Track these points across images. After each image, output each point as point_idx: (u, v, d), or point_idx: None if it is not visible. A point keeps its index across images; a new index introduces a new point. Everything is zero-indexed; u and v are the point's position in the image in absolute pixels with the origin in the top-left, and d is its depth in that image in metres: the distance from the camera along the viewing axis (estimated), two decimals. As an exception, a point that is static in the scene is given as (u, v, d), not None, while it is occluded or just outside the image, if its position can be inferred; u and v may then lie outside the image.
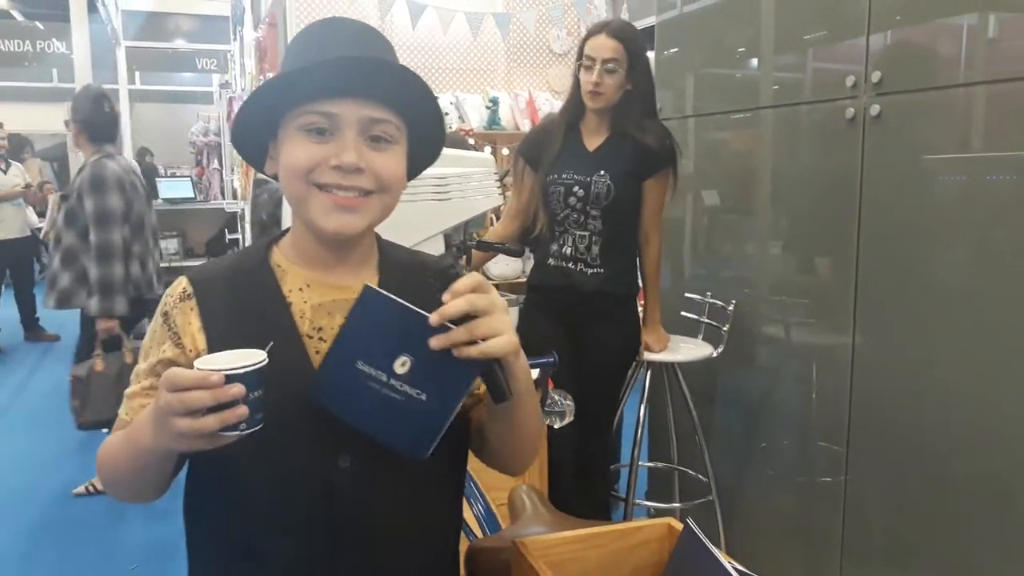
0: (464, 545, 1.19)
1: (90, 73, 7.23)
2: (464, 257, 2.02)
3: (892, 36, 2.07)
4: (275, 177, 1.02)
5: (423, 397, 0.85)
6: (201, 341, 0.96)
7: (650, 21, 4.80)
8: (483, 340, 0.81)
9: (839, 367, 2.24)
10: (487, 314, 0.82)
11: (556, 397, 1.88)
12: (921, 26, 2.02)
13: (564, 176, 2.42)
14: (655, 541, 1.05)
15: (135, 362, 1.02)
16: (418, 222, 1.80)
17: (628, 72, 2.37)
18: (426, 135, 1.01)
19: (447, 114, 5.46)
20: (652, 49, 3.05)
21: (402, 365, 0.85)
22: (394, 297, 0.86)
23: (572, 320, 2.43)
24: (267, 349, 0.84)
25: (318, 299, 0.98)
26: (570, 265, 2.45)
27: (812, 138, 2.37)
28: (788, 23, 2.41)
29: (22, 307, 6.78)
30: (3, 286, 7.02)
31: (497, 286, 3.92)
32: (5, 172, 6.39)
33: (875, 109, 2.08)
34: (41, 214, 9.16)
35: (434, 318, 0.80)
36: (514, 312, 2.00)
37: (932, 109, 1.97)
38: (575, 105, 2.48)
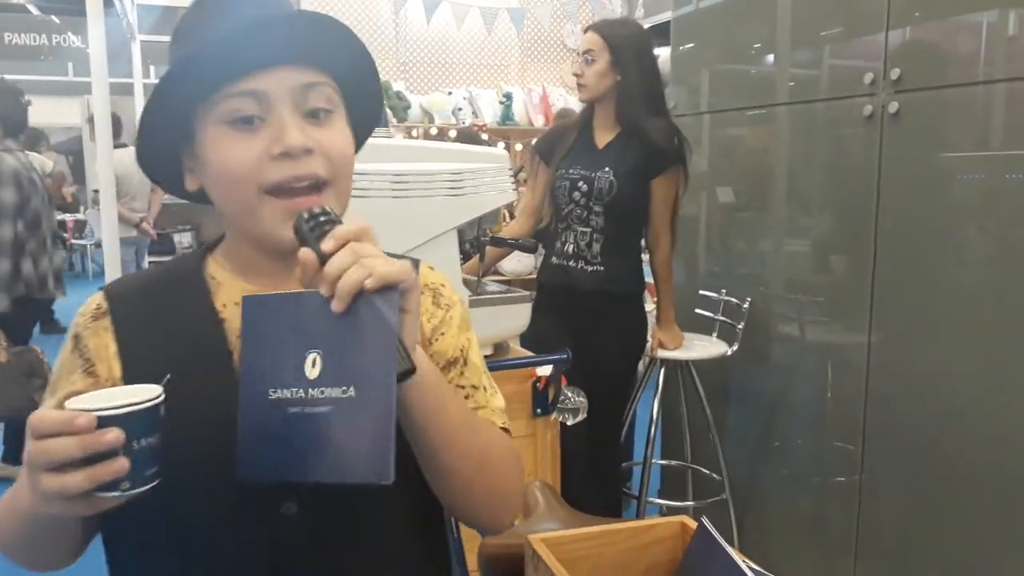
0: (476, 541, 1.20)
1: (105, 67, 7.24)
2: (479, 254, 2.02)
3: (911, 32, 2.05)
4: (196, 196, 0.85)
5: (352, 393, 0.68)
6: (117, 368, 0.80)
7: (666, 17, 4.78)
8: (371, 268, 0.67)
9: (855, 366, 2.22)
10: (372, 253, 0.68)
11: (569, 394, 1.88)
12: (941, 22, 2.00)
13: (571, 171, 2.44)
14: (669, 539, 1.05)
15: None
16: (431, 218, 1.80)
17: (612, 62, 2.38)
18: (362, 96, 0.86)
19: (460, 109, 5.47)
20: (666, 45, 3.04)
21: (313, 365, 0.70)
22: (274, 292, 0.75)
23: (573, 319, 2.43)
24: (163, 383, 0.68)
25: None
26: (571, 263, 2.45)
27: (829, 135, 2.35)
28: (805, 19, 2.39)
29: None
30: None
31: (509, 282, 3.93)
32: (22, 165, 6.41)
33: (893, 106, 2.06)
34: (58, 207, 9.24)
35: (301, 267, 0.69)
36: (528, 309, 1.99)
37: (951, 107, 1.95)
38: (588, 106, 2.53)
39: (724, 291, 2.65)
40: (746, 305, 2.54)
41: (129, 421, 0.63)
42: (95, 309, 0.83)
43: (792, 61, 2.45)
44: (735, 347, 2.53)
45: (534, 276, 4.11)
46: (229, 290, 0.84)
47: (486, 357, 1.82)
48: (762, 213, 2.59)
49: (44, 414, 0.62)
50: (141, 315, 0.83)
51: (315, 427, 0.69)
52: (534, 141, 2.68)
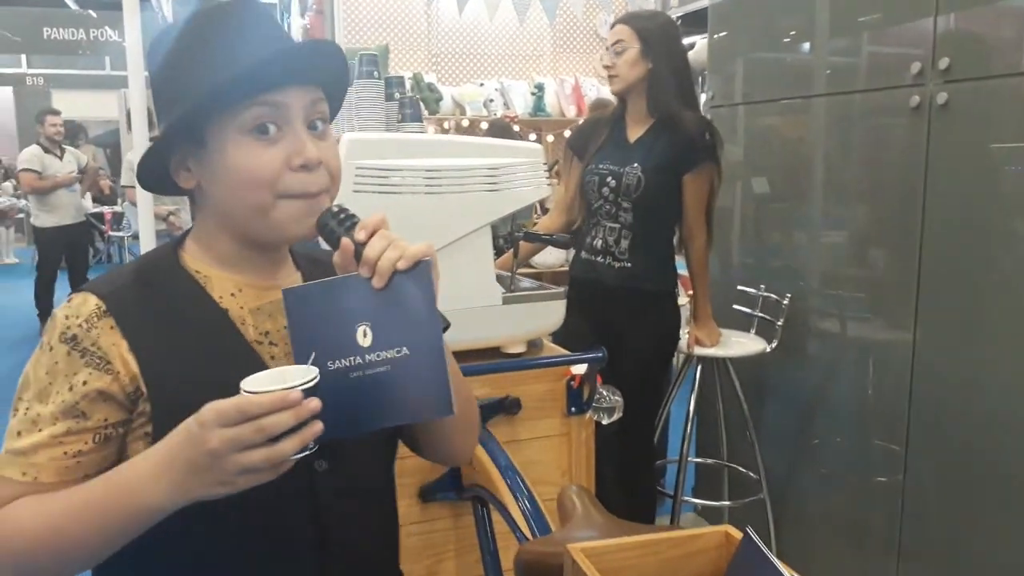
0: (514, 547, 1.17)
1: (141, 61, 7.32)
2: (512, 248, 1.99)
3: (961, 20, 1.97)
4: (185, 190, 0.91)
5: (405, 351, 0.82)
6: (132, 363, 0.84)
7: (699, 5, 4.71)
8: (404, 248, 0.82)
9: (899, 364, 2.17)
10: (398, 238, 0.83)
11: (604, 392, 1.84)
12: (992, 8, 1.92)
13: (601, 166, 2.41)
14: (713, 549, 1.01)
15: None
16: (467, 213, 1.77)
17: (642, 50, 2.33)
18: (336, 103, 0.96)
19: (492, 101, 5.43)
20: (699, 34, 2.99)
21: (364, 336, 0.82)
22: (315, 281, 0.85)
23: (600, 316, 2.39)
24: (309, 362, 0.79)
25: (254, 303, 0.92)
26: (598, 258, 2.41)
27: (872, 126, 2.28)
28: (848, 5, 2.32)
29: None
30: (59, 270, 7.18)
31: (540, 275, 3.89)
32: (61, 158, 6.50)
33: (942, 97, 1.99)
34: (96, 199, 9.38)
35: (340, 256, 0.84)
36: (562, 306, 1.96)
37: (1003, 97, 1.88)
38: (619, 100, 2.49)
39: (763, 286, 2.60)
40: (786, 301, 2.49)
41: (311, 392, 0.74)
42: (93, 310, 0.85)
43: (833, 49, 2.38)
44: (774, 344, 2.48)
45: (565, 268, 4.09)
46: (219, 283, 0.91)
47: (518, 355, 1.80)
48: (802, 206, 2.53)
49: (253, 398, 0.71)
50: (141, 312, 0.86)
51: (379, 384, 0.82)
52: (567, 135, 2.65)
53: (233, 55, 0.84)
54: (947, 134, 2.01)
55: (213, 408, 0.72)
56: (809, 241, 2.52)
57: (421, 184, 1.72)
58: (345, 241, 0.83)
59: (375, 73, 1.77)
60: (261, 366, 0.85)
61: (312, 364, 0.79)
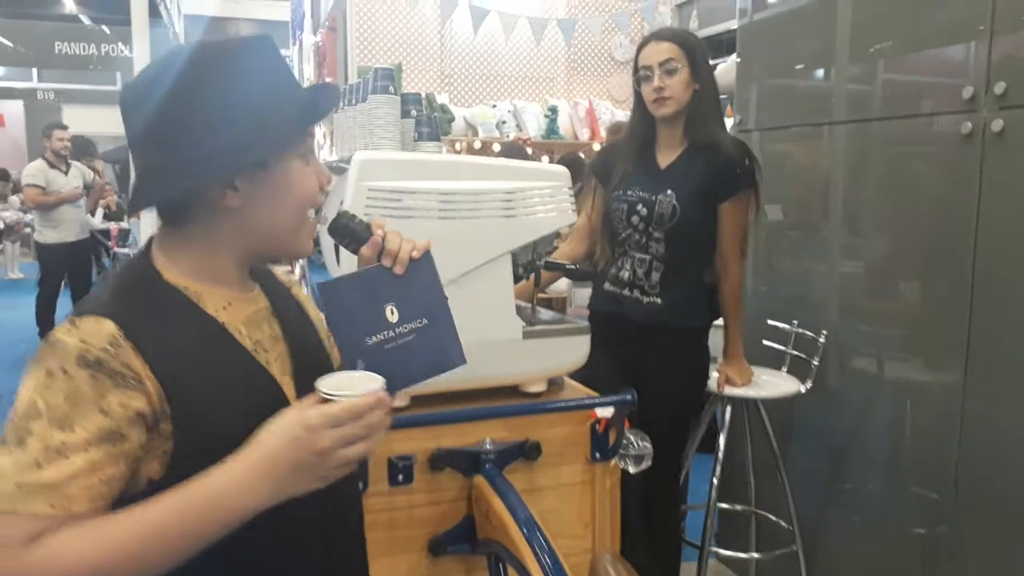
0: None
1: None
2: (533, 277, 1.85)
3: (1019, 43, 1.84)
4: (177, 211, 0.95)
5: (425, 321, 1.03)
6: (156, 383, 0.86)
7: (720, 28, 4.58)
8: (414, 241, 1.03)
9: (947, 409, 2.01)
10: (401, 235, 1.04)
11: (632, 438, 1.69)
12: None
13: (629, 193, 2.21)
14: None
15: None
16: (482, 241, 1.63)
17: (692, 70, 2.15)
18: None
19: (504, 123, 5.32)
20: (718, 58, 2.86)
21: (392, 314, 1.01)
22: (345, 275, 1.04)
23: (626, 354, 2.20)
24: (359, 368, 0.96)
25: (242, 315, 0.98)
26: (625, 291, 2.22)
27: (921, 153, 2.14)
28: (896, 27, 2.18)
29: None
30: (62, 287, 7.06)
31: (549, 301, 3.75)
32: (66, 174, 6.40)
33: (997, 124, 1.85)
34: (105, 216, 9.28)
35: (370, 248, 1.03)
36: (587, 342, 1.81)
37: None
38: (643, 124, 2.25)
39: (796, 322, 2.44)
40: (822, 339, 2.33)
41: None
42: (114, 333, 0.85)
43: (881, 73, 2.24)
44: (808, 384, 2.32)
45: (565, 296, 3.93)
46: (211, 298, 0.95)
47: (537, 395, 1.65)
48: (843, 237, 2.39)
49: (359, 401, 0.84)
50: (151, 332, 0.88)
51: (408, 350, 1.01)
52: (588, 161, 2.47)
53: (297, 88, 0.98)
54: (1003, 163, 1.86)
55: (320, 413, 0.83)
56: (848, 273, 2.37)
57: (435, 208, 1.59)
58: (375, 239, 1.03)
59: (391, 88, 1.64)
60: (264, 372, 0.95)
61: (355, 345, 0.99)
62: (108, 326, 0.85)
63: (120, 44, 9.46)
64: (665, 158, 2.24)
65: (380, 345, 1.00)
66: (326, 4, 4.73)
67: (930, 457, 2.08)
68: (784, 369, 2.42)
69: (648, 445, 1.70)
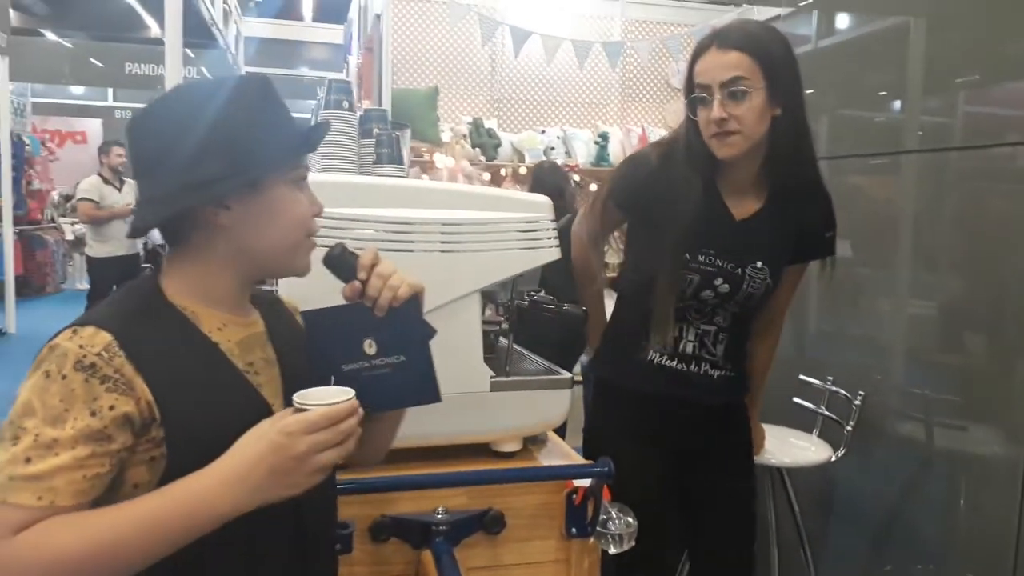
0: None
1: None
2: (513, 319, 1.63)
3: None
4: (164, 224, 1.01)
5: (403, 358, 1.04)
6: (147, 391, 0.90)
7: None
8: (396, 287, 1.03)
9: (1004, 485, 1.77)
10: (391, 272, 1.04)
11: (613, 513, 1.45)
12: None
13: (704, 260, 1.63)
14: None
15: None
16: (447, 278, 1.43)
17: (769, 91, 1.53)
18: None
19: (552, 149, 5.13)
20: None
21: (370, 347, 1.04)
22: (330, 307, 1.06)
23: (682, 441, 1.74)
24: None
25: (237, 337, 1.02)
26: (692, 367, 1.70)
27: (971, 189, 1.86)
28: (976, 56, 1.91)
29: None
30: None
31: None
32: (120, 189, 6.52)
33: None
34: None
35: (350, 291, 1.05)
36: (567, 396, 1.58)
37: None
38: (701, 157, 1.60)
39: (831, 379, 2.16)
40: (858, 400, 2.05)
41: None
42: (110, 342, 0.90)
43: (926, 106, 1.96)
44: (841, 452, 2.03)
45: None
46: (207, 319, 1.00)
47: (510, 454, 1.42)
48: (883, 282, 2.11)
49: (335, 408, 0.89)
50: (146, 345, 0.92)
51: (382, 381, 1.05)
52: (611, 189, 1.76)
53: (290, 121, 1.03)
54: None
55: (297, 420, 0.87)
56: (890, 325, 2.09)
57: (391, 240, 1.40)
58: (355, 284, 1.04)
59: (345, 103, 1.45)
60: (254, 393, 1.00)
61: (330, 369, 1.03)
62: (105, 336, 0.90)
63: (190, 67, 9.68)
64: (740, 208, 1.66)
65: (356, 372, 1.04)
66: (369, 27, 4.66)
67: (985, 540, 1.83)
68: (815, 432, 2.14)
69: (632, 521, 1.46)
